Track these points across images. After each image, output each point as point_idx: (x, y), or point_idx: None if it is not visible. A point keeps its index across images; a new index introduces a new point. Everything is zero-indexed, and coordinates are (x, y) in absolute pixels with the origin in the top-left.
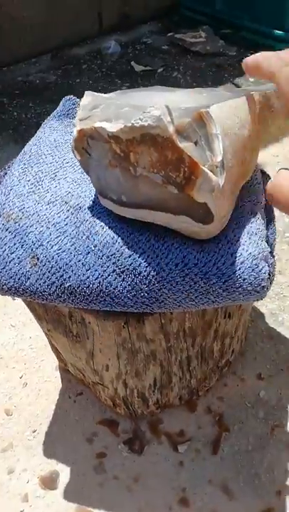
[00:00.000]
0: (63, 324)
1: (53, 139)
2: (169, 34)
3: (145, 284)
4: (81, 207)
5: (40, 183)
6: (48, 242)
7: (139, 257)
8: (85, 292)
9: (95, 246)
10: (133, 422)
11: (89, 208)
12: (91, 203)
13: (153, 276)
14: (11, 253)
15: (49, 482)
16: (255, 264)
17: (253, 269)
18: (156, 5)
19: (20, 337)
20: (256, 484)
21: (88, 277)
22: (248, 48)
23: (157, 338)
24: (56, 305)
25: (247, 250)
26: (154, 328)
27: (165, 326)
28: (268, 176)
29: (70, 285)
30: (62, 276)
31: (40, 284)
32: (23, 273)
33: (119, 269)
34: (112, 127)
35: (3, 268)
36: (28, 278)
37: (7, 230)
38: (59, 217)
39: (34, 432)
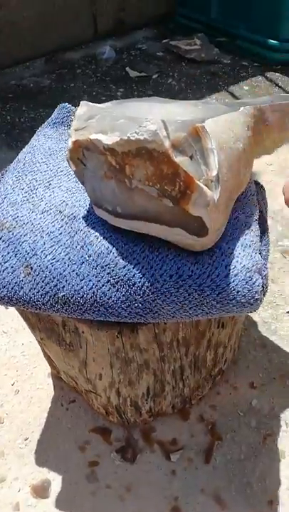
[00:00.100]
0: (56, 333)
1: (47, 147)
2: (164, 41)
3: (139, 294)
4: (75, 216)
5: (34, 191)
6: (41, 251)
7: (133, 268)
8: (79, 302)
9: (90, 256)
10: (126, 430)
11: (83, 217)
12: (86, 212)
13: (147, 287)
14: (5, 262)
15: (41, 491)
16: (249, 277)
17: (246, 282)
18: (152, 12)
19: (13, 344)
20: (248, 493)
21: (82, 287)
22: (242, 56)
23: (151, 348)
24: (50, 314)
25: (241, 263)
26: (147, 338)
27: (159, 335)
28: (262, 186)
29: (63, 295)
30: (56, 286)
31: (33, 294)
32: (16, 282)
33: (114, 279)
34: (107, 140)
35: None
36: (22, 287)
37: (0, 239)
38: (53, 226)
39: (26, 439)
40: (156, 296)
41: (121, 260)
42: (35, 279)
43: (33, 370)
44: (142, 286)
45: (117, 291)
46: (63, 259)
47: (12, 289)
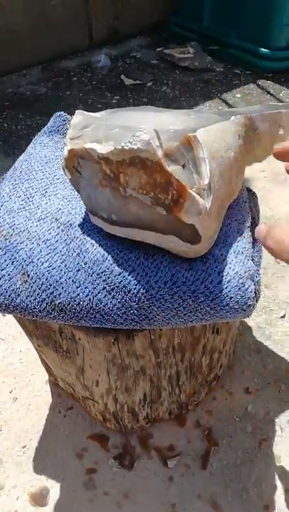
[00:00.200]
0: (53, 340)
1: (43, 155)
2: (158, 49)
3: (135, 301)
4: (72, 224)
5: (30, 199)
6: (38, 259)
7: (129, 275)
8: (75, 309)
9: (86, 263)
10: (123, 437)
11: (79, 225)
12: (81, 220)
13: (142, 293)
14: (1, 270)
15: (39, 499)
16: (242, 283)
17: (239, 288)
18: (146, 21)
19: (10, 351)
20: (244, 499)
21: (78, 294)
22: (235, 64)
23: (147, 354)
24: (46, 321)
25: (233, 269)
26: (143, 345)
27: (154, 342)
28: (254, 193)
29: (60, 302)
30: (52, 293)
31: (30, 301)
32: (13, 290)
33: (110, 286)
34: (102, 149)
35: None
36: (19, 295)
37: None
38: (50, 234)
39: (24, 447)
40: (151, 303)
41: (116, 267)
42: (31, 287)
43: (31, 377)
44: (138, 293)
45: (113, 298)
46: (60, 266)
47: (9, 296)
